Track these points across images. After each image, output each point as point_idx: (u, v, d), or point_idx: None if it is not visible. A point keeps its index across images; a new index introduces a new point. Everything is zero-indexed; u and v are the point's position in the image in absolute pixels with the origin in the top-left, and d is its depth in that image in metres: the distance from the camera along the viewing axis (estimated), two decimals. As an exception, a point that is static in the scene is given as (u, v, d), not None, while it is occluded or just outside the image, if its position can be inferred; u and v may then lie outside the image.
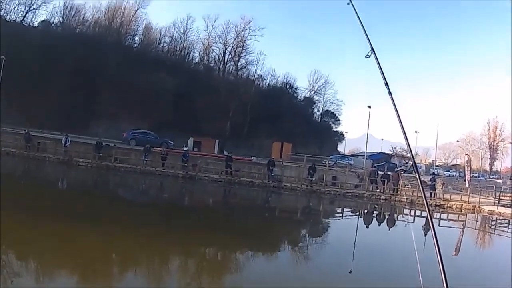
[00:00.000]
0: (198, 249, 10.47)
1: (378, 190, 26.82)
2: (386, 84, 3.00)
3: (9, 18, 45.45)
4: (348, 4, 3.54)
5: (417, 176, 3.23)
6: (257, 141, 47.41)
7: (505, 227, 20.86)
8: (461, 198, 25.71)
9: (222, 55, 56.15)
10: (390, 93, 2.98)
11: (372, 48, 3.15)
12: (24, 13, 47.26)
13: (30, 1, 47.06)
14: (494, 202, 25.14)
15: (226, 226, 13.85)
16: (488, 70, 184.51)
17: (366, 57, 3.15)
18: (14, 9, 46.41)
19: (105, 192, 19.92)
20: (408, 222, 19.95)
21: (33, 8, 47.72)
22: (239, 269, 9.23)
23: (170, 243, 10.42)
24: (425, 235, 14.31)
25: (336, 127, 66.85)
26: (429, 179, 28.76)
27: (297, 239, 13.74)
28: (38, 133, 30.23)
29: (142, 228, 11.34)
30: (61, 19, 50.17)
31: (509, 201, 25.45)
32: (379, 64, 3.11)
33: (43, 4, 48.04)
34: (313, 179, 27.08)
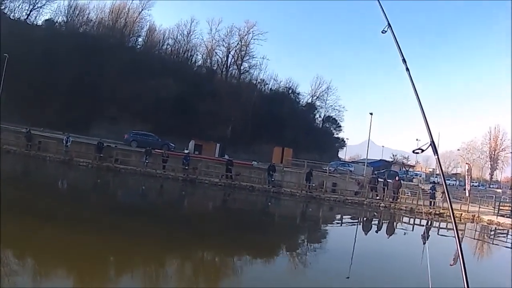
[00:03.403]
0: (195, 254, 10.43)
1: (378, 198, 26.80)
2: (404, 60, 2.84)
3: (13, 16, 45.72)
4: None
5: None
6: (258, 145, 47.42)
7: (504, 237, 20.80)
8: (460, 207, 25.60)
9: (225, 58, 56.37)
10: (407, 69, 2.81)
11: (388, 23, 2.96)
12: (29, 12, 47.64)
13: (34, -1, 47.30)
14: (494, 212, 25.16)
15: (223, 231, 13.81)
16: (489, 77, 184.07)
17: (382, 32, 2.97)
18: (18, 7, 46.77)
19: (104, 193, 19.91)
20: (407, 230, 19.94)
21: (38, 7, 48.13)
22: (235, 275, 9.19)
23: (165, 248, 10.36)
24: (424, 243, 14.33)
25: (337, 133, 67.10)
26: (429, 188, 28.74)
27: (295, 245, 13.71)
28: (39, 131, 30.31)
29: (138, 233, 11.24)
30: (65, 18, 50.40)
31: (509, 211, 25.44)
32: (396, 39, 2.92)
33: (48, 3, 48.44)
34: (313, 184, 27.09)
